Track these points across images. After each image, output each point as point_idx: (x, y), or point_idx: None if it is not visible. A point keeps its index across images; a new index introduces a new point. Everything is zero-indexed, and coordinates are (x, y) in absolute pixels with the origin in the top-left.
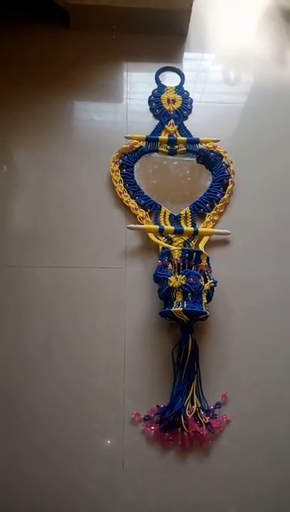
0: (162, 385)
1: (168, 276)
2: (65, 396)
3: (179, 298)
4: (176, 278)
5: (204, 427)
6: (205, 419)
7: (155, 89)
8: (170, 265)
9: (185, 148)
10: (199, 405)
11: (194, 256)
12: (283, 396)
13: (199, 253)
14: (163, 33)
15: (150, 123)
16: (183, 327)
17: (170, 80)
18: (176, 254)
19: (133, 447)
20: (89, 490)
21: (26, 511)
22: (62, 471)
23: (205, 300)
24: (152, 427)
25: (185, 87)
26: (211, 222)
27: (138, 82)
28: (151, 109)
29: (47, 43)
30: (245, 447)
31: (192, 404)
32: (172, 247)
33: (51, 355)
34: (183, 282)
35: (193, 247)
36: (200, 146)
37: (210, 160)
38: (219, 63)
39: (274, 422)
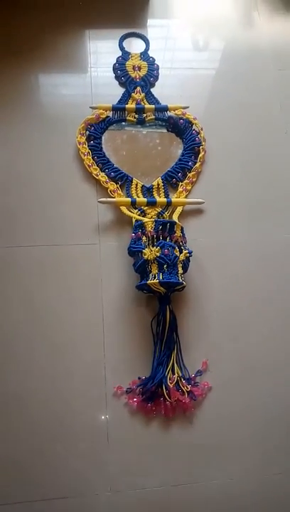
0: (143, 357)
1: (142, 248)
2: (45, 375)
3: (155, 270)
4: (151, 250)
5: (186, 395)
6: (187, 388)
7: (119, 57)
8: (144, 238)
9: (153, 117)
10: (180, 374)
11: (168, 227)
12: (263, 360)
13: (172, 224)
14: None
15: (116, 92)
16: (161, 299)
17: (135, 46)
18: (149, 226)
19: (117, 420)
20: (75, 465)
21: (11, 488)
22: (47, 448)
23: (180, 271)
24: (135, 399)
25: (152, 54)
26: (184, 192)
27: (101, 51)
28: (117, 77)
29: (4, 15)
30: (227, 413)
31: (173, 373)
32: (145, 219)
33: (29, 335)
34: (158, 254)
35: (167, 219)
36: (169, 113)
37: (180, 127)
38: (187, 29)
39: (254, 386)
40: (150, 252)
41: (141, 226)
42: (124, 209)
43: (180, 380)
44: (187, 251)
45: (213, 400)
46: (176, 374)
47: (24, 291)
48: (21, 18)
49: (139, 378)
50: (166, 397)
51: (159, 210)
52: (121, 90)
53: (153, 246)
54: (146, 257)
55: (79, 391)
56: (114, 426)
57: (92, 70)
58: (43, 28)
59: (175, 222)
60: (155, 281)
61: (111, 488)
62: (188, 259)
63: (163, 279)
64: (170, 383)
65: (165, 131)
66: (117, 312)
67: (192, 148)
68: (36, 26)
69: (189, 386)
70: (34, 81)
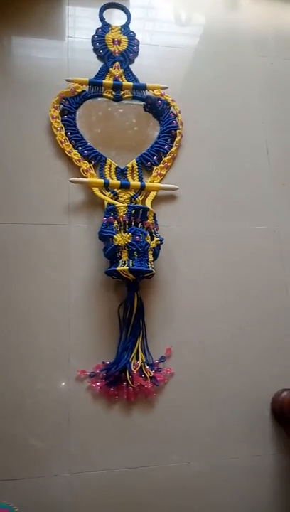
0: (108, 342)
1: (114, 234)
2: (9, 356)
3: (125, 256)
4: (122, 236)
5: (149, 380)
6: (150, 373)
7: (99, 28)
8: (115, 222)
9: (131, 95)
10: (144, 360)
11: (140, 213)
12: (224, 348)
13: (145, 210)
14: None
15: (93, 64)
16: (129, 285)
17: (115, 17)
18: (122, 211)
19: (79, 403)
20: (36, 447)
21: None
22: (8, 429)
23: (151, 258)
24: (97, 383)
25: (132, 26)
26: (158, 177)
27: (80, 19)
28: (95, 50)
29: None
30: (188, 398)
31: (138, 359)
32: (117, 204)
33: None
34: (129, 240)
35: (140, 203)
36: (147, 92)
37: (158, 108)
38: (169, 1)
39: (214, 373)
40: (121, 238)
41: (113, 210)
42: (96, 190)
43: (144, 365)
44: (158, 238)
45: (174, 386)
46: (140, 360)
47: None
48: None
49: (103, 363)
50: (129, 382)
51: (132, 193)
52: (98, 64)
53: (124, 232)
54: (116, 242)
55: (43, 372)
56: (75, 409)
57: (69, 39)
58: None
59: (148, 209)
60: (125, 267)
61: (70, 470)
62: (158, 246)
63: (132, 266)
64: (134, 369)
65: (142, 110)
66: (84, 296)
67: (169, 131)
68: None
69: (152, 372)
70: (6, 44)
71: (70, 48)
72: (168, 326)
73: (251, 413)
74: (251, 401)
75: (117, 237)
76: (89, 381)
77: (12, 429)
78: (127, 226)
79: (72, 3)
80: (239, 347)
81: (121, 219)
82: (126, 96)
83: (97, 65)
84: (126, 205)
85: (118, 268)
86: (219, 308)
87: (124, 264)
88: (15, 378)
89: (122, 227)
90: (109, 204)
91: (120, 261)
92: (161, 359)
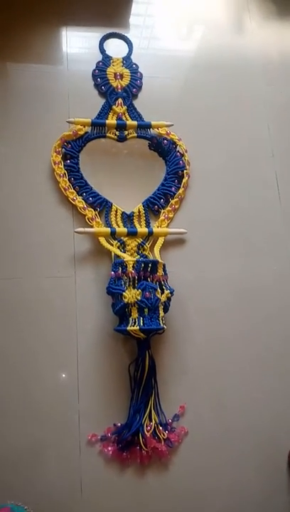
0: (118, 401)
1: (123, 291)
2: (15, 423)
3: (135, 314)
4: (131, 293)
5: (162, 442)
6: (164, 435)
7: (99, 62)
8: (124, 277)
9: (135, 134)
10: (157, 421)
11: (150, 266)
12: (238, 403)
13: (155, 263)
14: None
15: (95, 100)
16: (140, 343)
17: (115, 47)
18: (131, 266)
19: (91, 469)
20: None
21: None
22: (19, 498)
23: (161, 313)
24: (109, 448)
25: (134, 57)
26: (166, 220)
27: (80, 49)
28: (96, 86)
29: None
30: (203, 457)
31: (150, 420)
32: (126, 258)
33: None
34: (139, 298)
35: (148, 250)
36: (152, 132)
37: (164, 148)
38: (172, 29)
39: (229, 428)
40: (130, 295)
41: (121, 264)
42: (102, 241)
43: (157, 426)
44: (168, 291)
45: (189, 445)
46: (153, 421)
47: None
48: None
49: (114, 425)
50: (142, 446)
51: (140, 241)
52: (100, 100)
53: (133, 288)
54: (126, 300)
55: (51, 439)
56: (87, 475)
57: (69, 72)
58: (18, 17)
59: (158, 261)
60: (135, 327)
61: None
62: (169, 299)
63: (143, 325)
64: (147, 431)
65: (147, 149)
66: (93, 352)
67: (176, 172)
68: (11, 15)
69: (166, 433)
70: (3, 82)
71: (70, 84)
72: (180, 382)
73: (267, 468)
74: (267, 456)
75: (127, 294)
76: (100, 445)
77: (23, 499)
78: (136, 281)
79: (70, 33)
80: (255, 402)
81: (130, 274)
82: (130, 136)
83: (98, 101)
84: (134, 259)
85: (128, 328)
86: (233, 361)
87: (135, 323)
88: (24, 446)
89: (131, 283)
90: (117, 256)
91: (130, 319)
92: (175, 418)
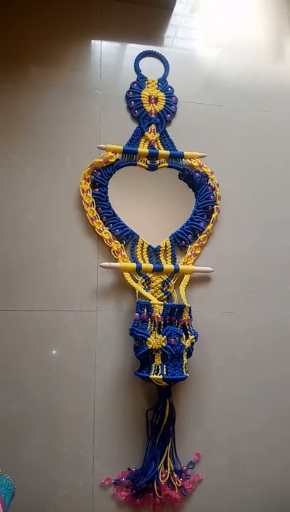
0: (133, 445)
1: (148, 336)
2: (28, 459)
3: (158, 361)
4: (156, 338)
5: (176, 489)
6: (178, 483)
7: (134, 83)
8: (149, 321)
9: (167, 164)
10: (172, 468)
11: (176, 311)
12: (254, 450)
13: (181, 307)
14: (146, 2)
15: (127, 124)
16: (161, 390)
17: (150, 67)
18: (157, 311)
19: None
20: None
21: None
22: None
23: (185, 361)
24: (123, 493)
25: (170, 79)
26: (193, 257)
27: (112, 67)
28: (129, 109)
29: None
30: (215, 504)
31: (166, 467)
32: (152, 300)
33: (10, 413)
34: (164, 344)
35: (172, 287)
36: (184, 163)
37: (195, 181)
38: (209, 53)
39: (243, 477)
40: (155, 341)
41: (147, 306)
42: (127, 277)
43: (172, 474)
44: (193, 336)
45: (202, 492)
46: (169, 468)
47: (4, 363)
48: (20, 21)
49: (129, 469)
50: (156, 493)
51: (165, 277)
52: (132, 125)
53: (159, 333)
54: (150, 346)
55: (65, 479)
56: None
57: (102, 93)
58: (47, 37)
59: (185, 306)
60: (159, 376)
61: None
62: (192, 344)
63: (167, 374)
64: (162, 479)
65: (177, 178)
66: (111, 393)
67: (206, 207)
68: (38, 32)
69: (180, 480)
70: (34, 103)
71: (102, 105)
72: (197, 428)
73: None
74: (283, 507)
75: (151, 339)
76: (114, 489)
77: None
78: (162, 326)
79: (104, 51)
80: (271, 451)
81: (156, 319)
82: (161, 165)
83: (130, 125)
84: (162, 304)
85: (151, 376)
86: (252, 406)
87: (158, 371)
88: (36, 484)
89: (156, 328)
90: (141, 294)
91: (152, 365)
92: (190, 465)
